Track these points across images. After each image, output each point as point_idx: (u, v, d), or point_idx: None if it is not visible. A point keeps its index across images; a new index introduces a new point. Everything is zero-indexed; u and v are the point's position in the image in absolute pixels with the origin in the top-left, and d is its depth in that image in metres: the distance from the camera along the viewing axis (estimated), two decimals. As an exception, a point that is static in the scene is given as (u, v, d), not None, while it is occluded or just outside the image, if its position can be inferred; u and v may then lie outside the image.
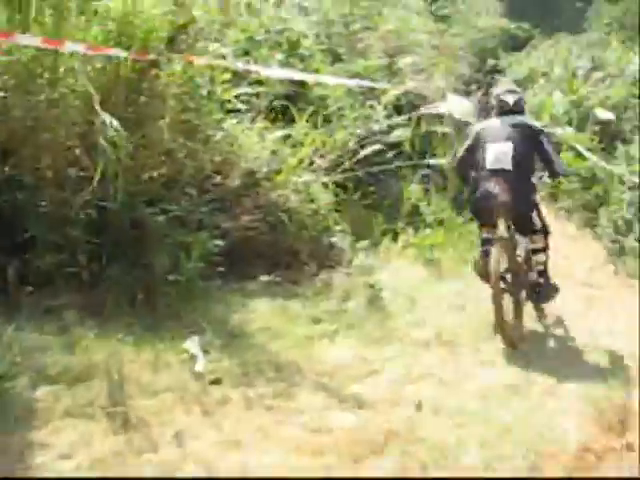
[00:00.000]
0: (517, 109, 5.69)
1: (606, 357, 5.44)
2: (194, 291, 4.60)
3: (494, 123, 5.72)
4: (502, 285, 5.27)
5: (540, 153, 5.47)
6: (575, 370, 5.03)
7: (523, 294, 5.55)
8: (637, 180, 9.68)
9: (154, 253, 4.44)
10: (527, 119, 5.81)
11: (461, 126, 13.67)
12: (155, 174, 4.84)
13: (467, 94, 19.76)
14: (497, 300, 5.12)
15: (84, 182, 4.38)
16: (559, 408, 4.42)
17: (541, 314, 6.03)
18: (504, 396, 4.43)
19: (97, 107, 4.43)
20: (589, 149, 11.75)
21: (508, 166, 5.27)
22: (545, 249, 5.82)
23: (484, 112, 20.59)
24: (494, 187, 5.22)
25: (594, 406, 4.41)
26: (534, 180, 5.52)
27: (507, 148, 5.33)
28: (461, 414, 4.07)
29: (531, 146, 5.44)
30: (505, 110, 5.68)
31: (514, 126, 5.49)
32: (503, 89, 6.10)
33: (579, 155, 11.77)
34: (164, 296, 4.47)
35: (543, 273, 5.82)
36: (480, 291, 6.50)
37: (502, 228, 5.21)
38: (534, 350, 5.39)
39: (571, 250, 10.20)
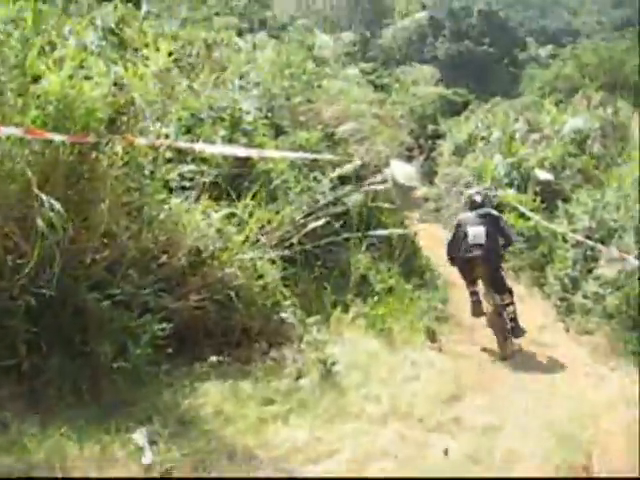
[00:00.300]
0: (483, 204, 8.39)
1: (564, 420, 5.42)
2: (141, 378, 4.43)
3: (469, 214, 8.31)
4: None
5: (500, 231, 8.17)
6: (533, 435, 4.99)
7: (507, 327, 7.91)
8: (580, 238, 9.87)
9: (98, 340, 4.29)
10: (490, 210, 8.38)
11: (405, 191, 13.94)
12: (97, 257, 4.72)
13: (410, 159, 20.22)
14: (494, 329, 7.99)
15: (22, 269, 4.22)
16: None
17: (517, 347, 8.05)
18: (466, 468, 4.35)
19: (35, 189, 4.33)
20: (531, 209, 12.01)
21: (482, 241, 7.88)
22: (512, 303, 8.10)
23: (427, 176, 21.12)
24: (475, 253, 7.87)
25: (556, 472, 4.37)
26: (499, 251, 8.21)
27: (481, 230, 7.94)
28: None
29: (495, 228, 8.10)
30: (475, 205, 8.34)
31: (482, 216, 8.16)
32: (473, 191, 8.99)
33: (522, 215, 12.01)
34: (110, 384, 4.29)
35: (513, 319, 8.02)
36: (434, 360, 6.50)
37: (481, 286, 8.19)
38: (491, 416, 5.35)
39: (521, 310, 10.29)
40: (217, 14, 17.89)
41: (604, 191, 10.81)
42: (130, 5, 11.01)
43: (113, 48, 8.91)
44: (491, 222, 8.08)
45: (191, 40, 11.20)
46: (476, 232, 7.89)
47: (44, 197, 4.27)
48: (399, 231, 8.66)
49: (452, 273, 12.04)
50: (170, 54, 5.51)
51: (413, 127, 22.79)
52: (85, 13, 9.52)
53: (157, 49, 5.35)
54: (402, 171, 15.18)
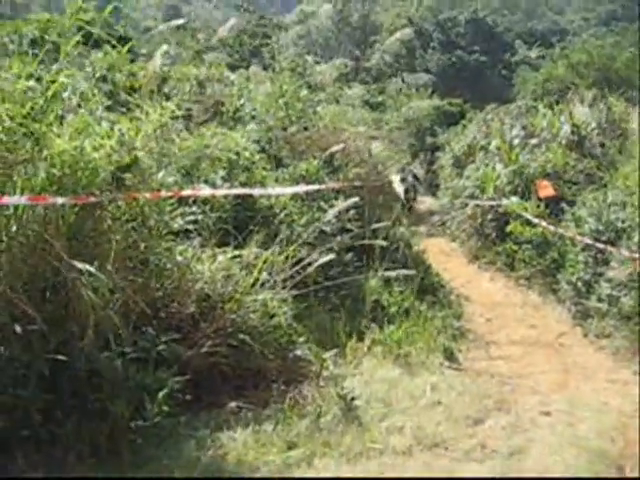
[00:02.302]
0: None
1: (592, 434, 5.34)
2: (161, 433, 4.39)
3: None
4: None
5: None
6: (561, 454, 4.90)
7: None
8: (588, 241, 9.80)
9: (113, 400, 4.25)
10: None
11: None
12: (106, 314, 4.68)
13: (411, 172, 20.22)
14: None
15: (32, 336, 4.19)
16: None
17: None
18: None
19: (64, 255, 4.36)
20: (537, 216, 11.95)
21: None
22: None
23: (429, 189, 21.39)
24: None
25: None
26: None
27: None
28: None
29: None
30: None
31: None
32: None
33: (528, 223, 11.95)
34: (129, 443, 4.24)
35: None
36: (454, 381, 6.43)
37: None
38: (517, 437, 5.28)
39: (536, 319, 10.23)
40: (207, 48, 18.02)
41: (608, 191, 10.77)
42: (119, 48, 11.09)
43: (105, 95, 8.96)
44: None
45: (182, 78, 11.22)
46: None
47: (79, 265, 4.29)
48: (412, 272, 8.47)
49: (463, 287, 12.08)
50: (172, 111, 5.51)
51: (411, 141, 22.85)
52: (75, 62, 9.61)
53: (162, 106, 5.36)
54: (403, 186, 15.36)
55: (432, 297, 9.86)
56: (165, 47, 8.91)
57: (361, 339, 6.99)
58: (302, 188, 7.83)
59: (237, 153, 7.74)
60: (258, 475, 4.21)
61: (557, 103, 17.21)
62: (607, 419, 5.77)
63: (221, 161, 7.41)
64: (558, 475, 4.56)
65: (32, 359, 4.13)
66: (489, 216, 13.73)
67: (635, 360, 8.01)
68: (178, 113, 5.77)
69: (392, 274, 7.93)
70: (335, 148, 9.18)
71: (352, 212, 8.61)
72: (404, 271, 8.08)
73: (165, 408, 4.35)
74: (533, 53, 41.55)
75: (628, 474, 4.69)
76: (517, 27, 53.15)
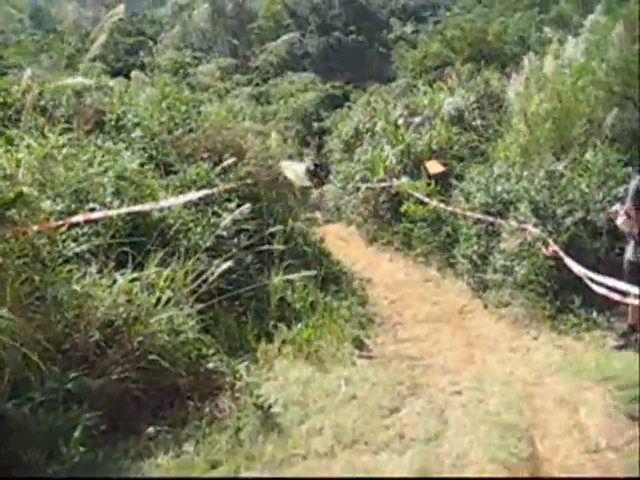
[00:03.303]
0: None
1: (501, 408, 5.56)
2: (80, 474, 4.28)
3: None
4: None
5: None
6: (475, 433, 5.08)
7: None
8: (477, 215, 10.18)
9: (26, 448, 4.11)
10: None
11: (303, 192, 14.09)
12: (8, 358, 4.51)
13: (301, 156, 20.37)
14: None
15: None
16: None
17: None
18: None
19: None
20: (428, 194, 12.29)
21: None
22: None
23: (323, 169, 21.63)
24: None
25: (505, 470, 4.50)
26: None
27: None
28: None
29: None
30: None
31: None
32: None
33: (421, 202, 12.28)
34: (48, 490, 4.12)
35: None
36: (366, 372, 6.55)
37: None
38: (432, 421, 5.44)
39: (438, 295, 10.57)
40: (78, 52, 17.31)
41: (492, 164, 11.20)
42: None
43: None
44: None
45: (58, 89, 10.80)
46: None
47: None
48: (312, 272, 8.49)
49: (365, 270, 12.31)
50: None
51: (298, 128, 22.94)
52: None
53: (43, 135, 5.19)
54: (294, 171, 15.24)
55: (335, 286, 10.01)
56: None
57: (271, 340, 7.01)
58: (194, 195, 7.73)
59: (124, 168, 7.54)
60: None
61: (434, 81, 17.69)
62: (513, 390, 6.03)
63: (106, 172, 7.20)
64: (476, 455, 4.73)
65: None
66: (382, 198, 14.02)
67: (532, 326, 8.43)
68: (60, 141, 5.59)
69: (293, 277, 7.94)
70: (227, 162, 9.11)
71: (247, 211, 8.58)
72: (305, 272, 8.10)
73: (81, 449, 4.24)
74: (408, 29, 42.37)
75: (538, 444, 4.93)
76: (390, 5, 53.81)
